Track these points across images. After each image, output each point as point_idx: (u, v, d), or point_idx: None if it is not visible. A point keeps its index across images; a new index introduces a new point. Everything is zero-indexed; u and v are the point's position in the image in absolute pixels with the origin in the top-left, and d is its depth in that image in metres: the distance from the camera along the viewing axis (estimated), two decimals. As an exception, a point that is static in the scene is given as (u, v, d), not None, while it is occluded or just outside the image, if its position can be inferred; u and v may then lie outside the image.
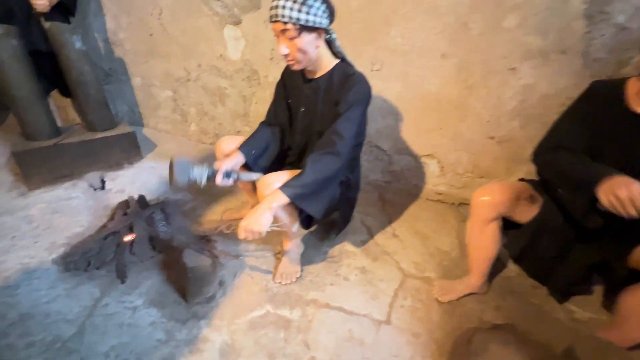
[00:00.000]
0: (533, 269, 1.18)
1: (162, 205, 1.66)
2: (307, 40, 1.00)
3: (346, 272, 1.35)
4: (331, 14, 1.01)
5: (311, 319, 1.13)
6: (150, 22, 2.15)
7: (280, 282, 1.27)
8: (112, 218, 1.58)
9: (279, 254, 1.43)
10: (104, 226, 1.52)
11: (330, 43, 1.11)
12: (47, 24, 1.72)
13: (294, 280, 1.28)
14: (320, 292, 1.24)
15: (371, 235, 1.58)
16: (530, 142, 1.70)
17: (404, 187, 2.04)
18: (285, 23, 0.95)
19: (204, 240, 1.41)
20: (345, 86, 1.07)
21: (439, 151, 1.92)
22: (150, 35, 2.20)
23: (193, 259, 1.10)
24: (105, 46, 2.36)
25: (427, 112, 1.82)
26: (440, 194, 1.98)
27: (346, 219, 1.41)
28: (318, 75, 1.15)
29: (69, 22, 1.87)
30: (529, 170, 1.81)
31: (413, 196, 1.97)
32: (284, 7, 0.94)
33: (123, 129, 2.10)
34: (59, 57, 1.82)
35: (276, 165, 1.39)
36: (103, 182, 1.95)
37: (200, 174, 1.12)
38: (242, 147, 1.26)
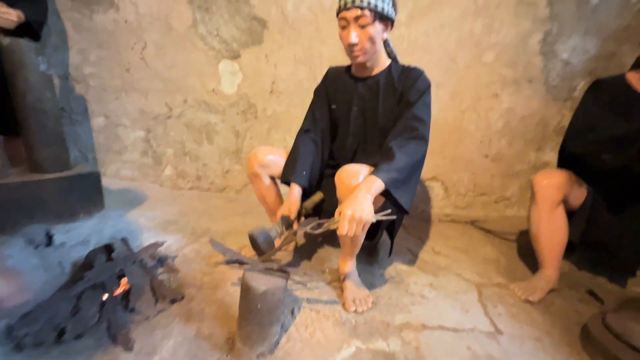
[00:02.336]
0: (599, 249, 1.19)
1: (155, 247, 1.26)
2: (378, 29, 1.01)
3: (418, 289, 1.15)
4: (395, 9, 1.06)
5: (416, 345, 0.88)
6: (129, 57, 1.96)
7: (355, 311, 0.99)
8: (80, 272, 1.11)
9: (333, 282, 1.16)
10: (76, 280, 1.05)
11: (385, 42, 1.14)
12: (6, 40, 1.41)
13: (370, 305, 1.02)
14: (407, 314, 1.01)
15: (415, 254, 1.44)
16: (517, 158, 1.94)
17: (413, 214, 2.01)
18: (362, 9, 0.95)
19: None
20: (410, 78, 1.07)
21: (441, 173, 2.00)
22: (127, 70, 1.98)
23: (261, 281, 0.79)
24: (62, 83, 2.02)
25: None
26: (447, 215, 1.99)
27: (397, 230, 1.27)
28: (375, 72, 1.14)
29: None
30: (521, 185, 2.00)
31: (425, 221, 1.93)
32: (362, -7, 0.95)
33: (81, 169, 1.68)
34: (12, 81, 1.46)
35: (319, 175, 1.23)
36: (50, 236, 1.43)
37: (278, 230, 1.06)
38: (293, 176, 1.13)
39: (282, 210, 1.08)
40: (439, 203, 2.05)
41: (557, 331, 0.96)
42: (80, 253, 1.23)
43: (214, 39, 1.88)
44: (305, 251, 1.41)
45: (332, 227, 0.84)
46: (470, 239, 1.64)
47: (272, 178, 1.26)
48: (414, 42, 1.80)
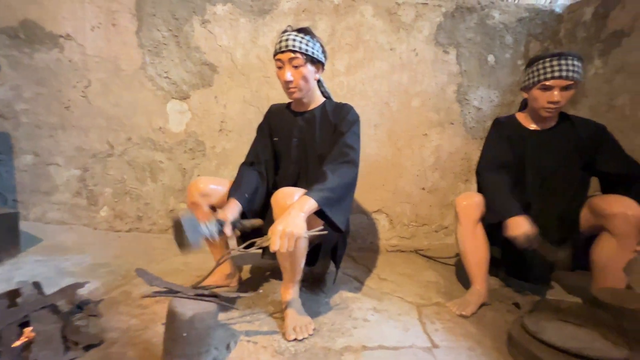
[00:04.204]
0: (518, 263, 1.32)
1: (74, 289, 1.13)
2: (310, 70, 1.15)
3: (361, 314, 1.15)
4: (325, 56, 1.22)
5: (356, 367, 0.86)
6: (70, 94, 1.91)
7: (296, 339, 0.96)
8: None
9: (275, 314, 1.12)
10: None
11: (319, 83, 1.28)
12: None
13: (311, 332, 0.99)
14: (349, 337, 0.99)
15: (361, 282, 1.46)
16: (451, 189, 2.16)
17: (362, 246, 2.07)
18: (294, 52, 1.09)
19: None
20: (342, 112, 1.20)
21: (386, 205, 2.12)
22: (67, 107, 1.91)
23: (189, 307, 0.75)
24: (-18, 120, 1.87)
25: (371, 172, 2.08)
26: (394, 246, 2.08)
27: (341, 256, 1.30)
28: (312, 107, 1.26)
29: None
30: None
31: (374, 252, 2.00)
32: (294, 39, 1.10)
33: (-3, 210, 1.51)
34: None
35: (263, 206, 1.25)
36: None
37: (210, 229, 0.99)
38: (235, 194, 1.13)
39: (218, 215, 1.05)
40: (386, 234, 2.14)
41: (488, 340, 1.01)
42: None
43: (163, 80, 1.94)
44: (249, 285, 1.35)
45: (265, 244, 0.84)
46: (414, 265, 1.71)
47: (214, 208, 1.25)
48: (353, 89, 2.03)
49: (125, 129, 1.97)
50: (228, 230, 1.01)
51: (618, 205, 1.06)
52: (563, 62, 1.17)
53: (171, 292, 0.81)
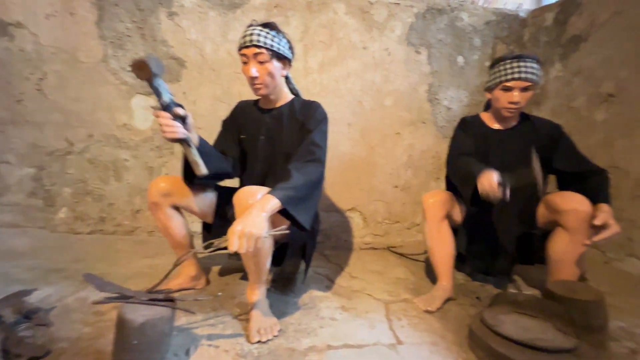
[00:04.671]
0: (481, 258, 1.36)
1: (19, 297, 1.05)
2: (277, 66, 1.12)
3: (329, 313, 1.14)
4: (292, 52, 1.19)
5: (319, 367, 0.85)
6: (23, 87, 1.77)
7: (260, 341, 0.93)
8: None
9: (240, 316, 1.09)
10: None
11: (287, 80, 1.26)
12: None
13: (275, 334, 0.97)
14: (314, 337, 0.98)
15: (332, 280, 1.46)
16: (423, 187, 2.20)
17: (335, 244, 2.07)
18: (259, 47, 1.06)
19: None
20: (310, 110, 1.19)
21: (359, 204, 2.14)
22: (18, 101, 1.78)
23: (140, 313, 0.71)
24: None
25: (345, 170, 2.09)
26: (368, 243, 2.09)
27: (311, 255, 1.29)
28: (279, 104, 1.23)
29: None
30: (427, 211, 2.24)
31: (347, 250, 2.00)
32: (259, 34, 1.06)
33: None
34: None
35: (227, 201, 1.22)
36: None
37: (167, 87, 0.95)
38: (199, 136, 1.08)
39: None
40: (360, 232, 2.15)
41: (451, 334, 1.03)
42: None
43: (128, 74, 1.84)
44: (217, 287, 1.32)
45: (223, 244, 0.82)
46: (385, 262, 1.73)
47: (178, 209, 1.20)
48: (326, 87, 2.02)
49: (86, 125, 1.85)
50: (180, 110, 0.96)
51: (570, 202, 1.11)
52: (522, 64, 1.21)
53: (123, 297, 0.77)
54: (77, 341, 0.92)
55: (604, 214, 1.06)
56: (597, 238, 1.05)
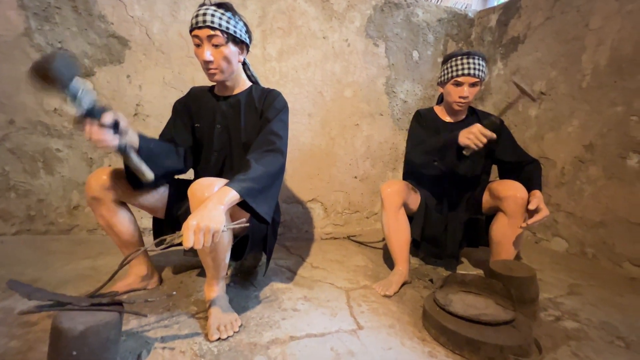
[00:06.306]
0: (434, 243, 1.45)
1: None
2: (233, 51, 1.06)
3: (291, 304, 1.14)
4: (250, 36, 1.13)
5: (282, 358, 0.85)
6: None
7: (220, 338, 0.90)
8: None
9: (198, 314, 1.04)
10: None
11: (245, 66, 1.20)
12: None
13: (237, 329, 0.94)
14: (277, 330, 0.97)
15: (293, 272, 1.45)
16: (380, 177, 2.28)
17: (297, 235, 2.07)
18: (214, 29, 0.99)
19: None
20: (269, 98, 1.14)
21: (320, 194, 2.15)
22: None
23: (79, 320, 0.64)
24: None
25: (305, 161, 2.08)
26: (328, 233, 2.13)
27: (272, 247, 1.26)
28: (236, 91, 1.17)
29: None
30: (385, 200, 2.33)
31: (308, 240, 2.01)
32: (213, 14, 0.99)
33: None
34: None
35: (180, 195, 1.14)
36: None
37: (86, 89, 0.77)
38: (139, 135, 0.97)
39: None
40: (320, 222, 2.17)
41: (407, 316, 1.09)
42: None
43: (57, 51, 1.61)
44: (172, 286, 1.24)
45: (176, 241, 0.76)
46: (345, 251, 1.77)
47: (124, 203, 1.10)
48: (285, 76, 1.97)
49: (6, 110, 1.60)
50: (108, 117, 0.80)
51: (509, 189, 1.23)
52: (472, 60, 1.30)
53: (58, 304, 0.68)
54: (2, 357, 0.80)
55: (537, 199, 1.19)
56: (531, 221, 1.18)
